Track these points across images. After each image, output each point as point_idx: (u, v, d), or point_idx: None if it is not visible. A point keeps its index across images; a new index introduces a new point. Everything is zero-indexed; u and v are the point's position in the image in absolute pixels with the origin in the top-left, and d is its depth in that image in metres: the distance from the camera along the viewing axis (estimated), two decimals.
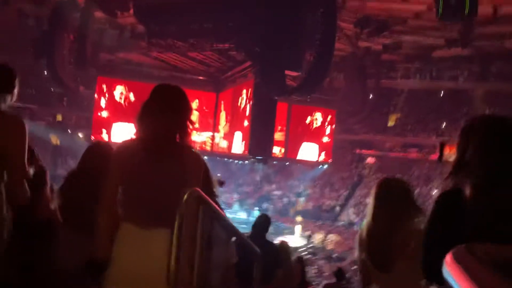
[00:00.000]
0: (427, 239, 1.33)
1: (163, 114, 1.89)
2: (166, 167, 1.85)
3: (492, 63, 19.83)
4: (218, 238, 2.63)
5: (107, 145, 2.71)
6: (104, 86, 18.99)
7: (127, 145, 1.95)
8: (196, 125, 20.55)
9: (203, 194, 1.87)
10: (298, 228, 20.99)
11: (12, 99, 2.19)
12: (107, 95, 18.93)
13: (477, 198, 1.29)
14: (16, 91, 2.23)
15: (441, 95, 22.77)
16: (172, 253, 1.63)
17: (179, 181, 1.83)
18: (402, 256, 2.18)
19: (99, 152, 2.58)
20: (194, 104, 19.97)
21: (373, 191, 2.40)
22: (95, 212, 1.91)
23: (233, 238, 2.85)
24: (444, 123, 21.92)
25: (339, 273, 5.71)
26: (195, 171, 1.90)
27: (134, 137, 1.96)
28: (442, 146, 1.73)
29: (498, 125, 1.39)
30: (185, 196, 1.68)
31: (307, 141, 20.24)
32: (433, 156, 21.65)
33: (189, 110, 1.99)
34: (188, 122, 1.95)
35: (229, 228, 2.61)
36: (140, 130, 1.92)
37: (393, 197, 2.31)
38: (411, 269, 1.97)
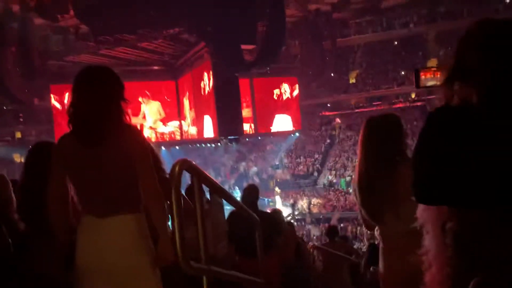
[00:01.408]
0: (416, 158, 1.19)
1: (86, 100, 1.79)
2: (104, 153, 1.78)
3: (438, 3, 20.25)
4: (214, 207, 2.58)
5: (50, 144, 2.45)
6: (66, 95, 18.32)
7: (64, 138, 1.85)
8: (163, 115, 20.36)
9: (196, 165, 1.80)
10: (278, 199, 21.25)
11: None
12: (66, 102, 18.24)
13: (482, 109, 1.11)
14: None
15: (396, 44, 23.14)
16: (175, 227, 1.57)
17: (124, 165, 1.78)
18: (393, 202, 1.94)
19: (43, 153, 2.36)
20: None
21: (360, 133, 2.12)
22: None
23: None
24: (403, 71, 22.38)
25: (331, 231, 5.77)
26: (139, 150, 1.79)
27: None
28: (417, 72, 1.69)
29: (500, 27, 1.21)
30: (176, 168, 1.61)
31: (280, 113, 20.28)
32: (398, 105, 22.16)
33: (114, 88, 1.83)
34: (119, 101, 1.82)
35: (226, 198, 2.57)
36: (71, 122, 1.83)
37: (380, 135, 2.04)
38: (404, 214, 1.78)
